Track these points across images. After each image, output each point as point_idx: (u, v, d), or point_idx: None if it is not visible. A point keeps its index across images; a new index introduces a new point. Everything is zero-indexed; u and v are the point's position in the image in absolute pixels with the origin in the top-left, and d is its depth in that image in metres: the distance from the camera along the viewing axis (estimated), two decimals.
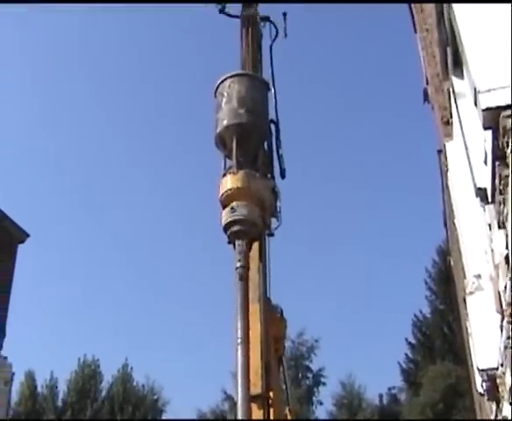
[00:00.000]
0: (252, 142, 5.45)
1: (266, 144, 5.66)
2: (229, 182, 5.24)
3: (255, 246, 5.25)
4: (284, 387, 5.44)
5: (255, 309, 5.04)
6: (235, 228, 5.10)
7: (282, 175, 5.65)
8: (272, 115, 5.79)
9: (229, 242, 5.18)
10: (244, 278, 4.98)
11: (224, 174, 5.35)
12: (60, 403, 35.05)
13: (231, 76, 5.57)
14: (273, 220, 5.45)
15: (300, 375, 34.89)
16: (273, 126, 5.74)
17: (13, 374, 18.40)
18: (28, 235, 19.66)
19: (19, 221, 19.47)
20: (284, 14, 6.17)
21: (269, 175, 5.56)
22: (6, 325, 17.94)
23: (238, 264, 5.01)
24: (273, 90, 5.85)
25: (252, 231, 5.15)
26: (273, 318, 5.26)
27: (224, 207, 5.21)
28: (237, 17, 6.22)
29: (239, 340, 4.72)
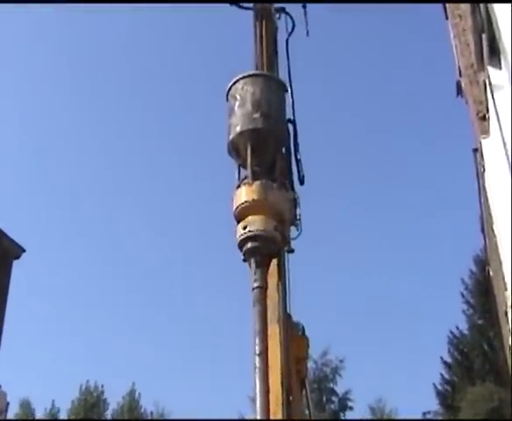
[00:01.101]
0: (269, 149, 5.46)
1: (283, 148, 5.69)
2: (243, 195, 5.24)
3: (273, 262, 5.25)
4: (307, 412, 5.45)
5: (274, 330, 5.03)
6: (251, 245, 5.11)
7: (301, 181, 5.68)
8: (289, 116, 5.80)
9: (244, 260, 5.20)
10: (261, 299, 5.00)
11: (239, 186, 5.35)
12: None
13: (244, 77, 5.57)
14: (293, 229, 5.46)
15: (324, 399, 34.79)
16: (290, 127, 5.76)
17: (8, 403, 18.45)
18: (24, 250, 19.86)
19: (14, 235, 19.64)
20: (304, 6, 6.19)
21: (287, 182, 5.58)
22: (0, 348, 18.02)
23: (255, 284, 5.02)
24: (289, 89, 5.87)
25: (269, 247, 5.15)
26: (294, 337, 5.27)
27: (239, 221, 5.22)
28: (249, 8, 6.26)
29: (257, 365, 4.74)
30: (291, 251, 5.41)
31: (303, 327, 5.41)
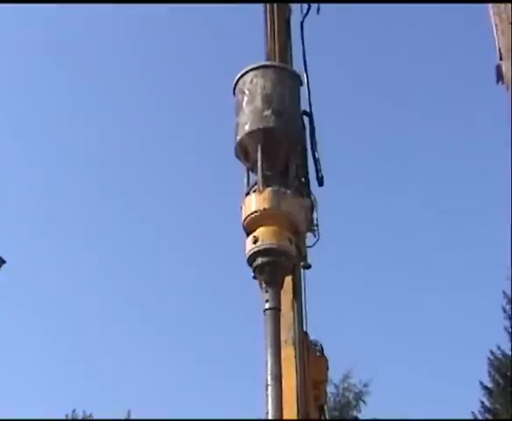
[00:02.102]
0: (282, 151, 5.33)
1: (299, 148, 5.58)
2: (253, 203, 5.12)
3: (287, 278, 5.17)
4: None
5: (289, 354, 4.99)
6: (261, 260, 4.99)
7: (320, 183, 5.58)
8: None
9: (254, 277, 5.08)
10: (274, 322, 4.86)
11: (248, 193, 5.24)
12: None
13: (253, 69, 5.44)
14: (310, 236, 5.40)
15: None
16: (306, 121, 5.63)
17: None
18: (4, 261, 20.08)
19: None
20: None
21: (302, 187, 5.49)
22: None
23: (267, 305, 4.90)
24: (305, 80, 5.74)
25: (283, 263, 5.02)
26: (312, 358, 5.23)
27: (249, 234, 5.11)
28: None
29: (270, 393, 4.61)
30: (307, 267, 5.30)
31: (322, 347, 5.38)
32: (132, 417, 33.81)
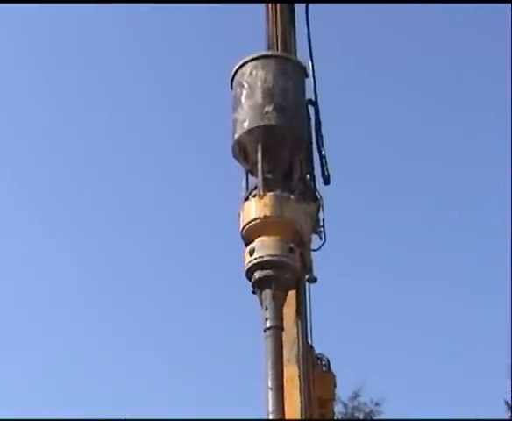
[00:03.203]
0: (285, 151, 5.07)
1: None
2: (253, 210, 4.86)
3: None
4: None
5: (292, 373, 4.75)
6: (261, 274, 4.75)
7: (326, 181, 5.40)
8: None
9: (253, 292, 4.87)
10: (275, 342, 4.63)
11: (247, 198, 4.99)
12: None
13: (252, 59, 5.16)
14: (315, 238, 5.19)
15: None
16: (311, 111, 5.41)
17: None
18: None
19: None
20: None
21: (307, 191, 5.24)
22: None
23: (268, 324, 4.65)
24: (310, 68, 5.50)
25: (285, 277, 4.77)
26: (317, 374, 5.02)
27: (248, 244, 4.86)
28: None
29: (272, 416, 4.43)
30: (313, 280, 5.01)
31: (328, 361, 5.18)
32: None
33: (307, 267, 4.94)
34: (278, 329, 4.64)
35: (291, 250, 4.76)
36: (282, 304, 4.76)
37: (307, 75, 5.37)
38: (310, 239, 5.04)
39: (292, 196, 4.89)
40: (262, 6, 5.68)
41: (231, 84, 5.22)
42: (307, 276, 4.97)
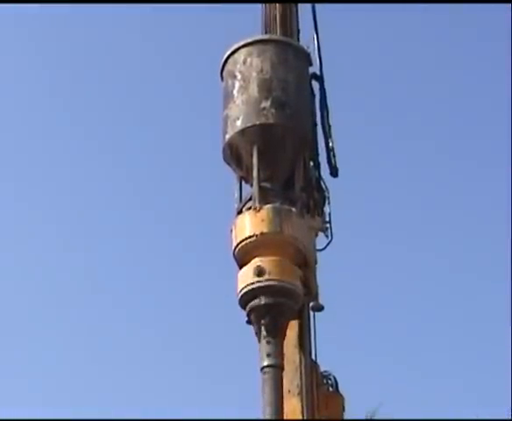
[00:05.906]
0: (285, 155, 4.74)
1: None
2: (248, 226, 4.49)
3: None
4: None
5: (294, 406, 4.40)
6: (258, 302, 4.38)
7: (334, 174, 5.06)
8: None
9: (248, 322, 4.47)
10: (275, 382, 4.24)
11: (240, 211, 4.63)
12: None
13: (246, 44, 4.77)
14: (321, 236, 4.87)
15: None
16: (316, 102, 5.04)
17: None
18: None
19: None
20: None
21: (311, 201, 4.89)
22: None
23: (266, 362, 4.28)
24: (316, 49, 5.09)
25: (285, 305, 4.41)
26: (323, 395, 4.64)
27: (242, 265, 4.51)
28: None
29: None
30: (320, 309, 4.60)
31: (336, 381, 4.78)
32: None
33: (312, 293, 4.53)
34: (278, 369, 4.29)
35: (294, 274, 4.43)
36: (283, 338, 4.39)
37: (311, 63, 4.97)
38: (315, 261, 4.63)
39: (294, 209, 4.52)
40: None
41: (221, 74, 4.87)
42: (311, 304, 4.56)
